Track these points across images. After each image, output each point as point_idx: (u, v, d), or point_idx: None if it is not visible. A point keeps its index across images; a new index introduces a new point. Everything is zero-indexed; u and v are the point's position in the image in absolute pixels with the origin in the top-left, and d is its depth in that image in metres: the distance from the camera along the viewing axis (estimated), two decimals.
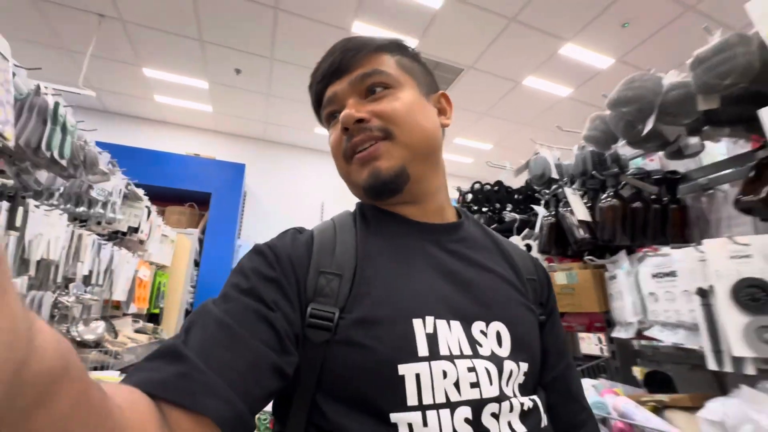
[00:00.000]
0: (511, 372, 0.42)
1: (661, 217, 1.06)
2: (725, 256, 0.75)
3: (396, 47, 0.53)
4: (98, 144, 1.50)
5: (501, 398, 0.40)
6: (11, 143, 0.79)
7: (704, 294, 0.79)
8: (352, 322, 0.41)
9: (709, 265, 0.77)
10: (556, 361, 0.53)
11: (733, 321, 0.72)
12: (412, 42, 3.47)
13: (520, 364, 0.44)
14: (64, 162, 1.10)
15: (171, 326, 3.01)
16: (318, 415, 0.39)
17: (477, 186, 1.61)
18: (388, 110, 0.48)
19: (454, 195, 1.84)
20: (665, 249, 0.98)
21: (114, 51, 3.66)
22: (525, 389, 0.44)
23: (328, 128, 0.54)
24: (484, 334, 0.44)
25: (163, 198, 3.98)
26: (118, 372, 1.67)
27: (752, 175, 0.86)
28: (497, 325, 0.45)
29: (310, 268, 0.44)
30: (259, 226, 4.83)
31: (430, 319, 0.41)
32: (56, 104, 1.05)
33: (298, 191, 5.20)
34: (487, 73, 3.88)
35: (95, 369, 1.54)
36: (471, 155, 5.70)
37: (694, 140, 1.06)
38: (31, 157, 1.04)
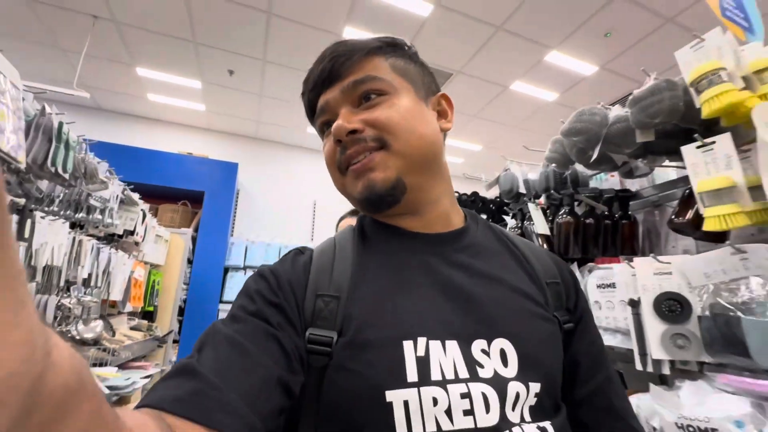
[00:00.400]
0: (517, 395, 0.38)
1: (612, 231, 1.18)
2: (650, 273, 0.87)
3: (390, 48, 0.50)
4: (91, 144, 1.55)
5: (500, 427, 0.36)
6: (23, 166, 0.89)
7: (634, 304, 0.91)
8: (342, 345, 0.39)
9: (638, 279, 0.89)
10: (591, 373, 0.47)
11: (654, 328, 0.84)
12: None
13: (530, 384, 0.40)
14: (66, 175, 1.19)
15: (165, 323, 3.10)
16: None
17: (455, 195, 1.72)
18: (382, 118, 0.45)
19: None
20: (612, 264, 1.10)
21: (108, 51, 3.69)
22: (538, 412, 0.40)
23: (323, 138, 0.52)
24: (486, 353, 0.40)
25: (156, 196, 4.05)
26: (116, 368, 1.77)
27: (683, 200, 0.98)
28: (501, 343, 0.41)
29: (307, 291, 0.43)
30: (252, 224, 4.90)
31: (422, 341, 0.39)
32: (60, 123, 1.13)
33: (291, 190, 5.27)
34: (476, 77, 3.98)
35: (94, 365, 1.64)
36: (461, 156, 5.81)
37: (642, 163, 1.18)
38: (37, 172, 1.13)
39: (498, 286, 0.46)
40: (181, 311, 3.65)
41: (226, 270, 4.29)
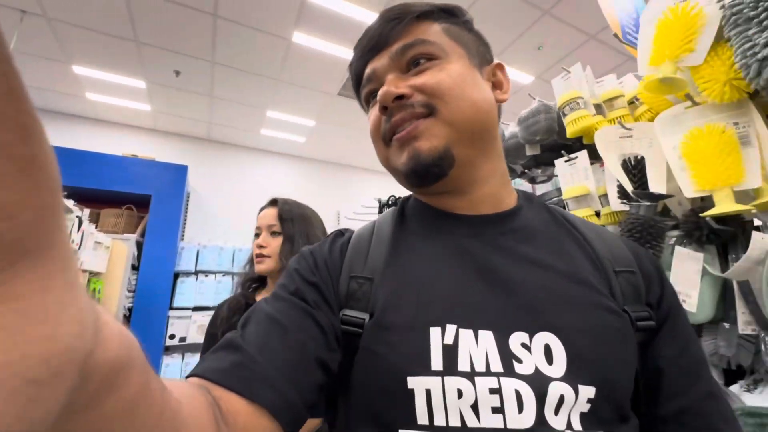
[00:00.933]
0: (561, 398, 0.33)
1: None
2: None
3: (444, 13, 0.47)
4: None
5: (536, 431, 0.32)
6: None
7: None
8: (370, 327, 0.38)
9: None
10: (681, 385, 0.40)
11: None
12: (349, 53, 3.65)
13: (581, 387, 0.34)
14: None
15: None
16: (346, 426, 0.38)
17: (392, 199, 1.84)
18: (432, 83, 0.42)
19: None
20: None
21: (39, 48, 3.48)
22: (593, 421, 0.34)
23: (367, 110, 0.50)
24: (527, 347, 0.36)
25: (97, 201, 3.87)
26: None
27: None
28: (545, 337, 0.36)
29: (342, 272, 0.43)
30: (204, 228, 4.79)
31: (451, 328, 0.36)
32: None
33: (245, 192, 5.20)
34: None
35: None
36: None
37: (539, 171, 1.36)
38: None
39: (547, 273, 0.41)
40: (126, 319, 3.51)
41: (177, 275, 4.17)
